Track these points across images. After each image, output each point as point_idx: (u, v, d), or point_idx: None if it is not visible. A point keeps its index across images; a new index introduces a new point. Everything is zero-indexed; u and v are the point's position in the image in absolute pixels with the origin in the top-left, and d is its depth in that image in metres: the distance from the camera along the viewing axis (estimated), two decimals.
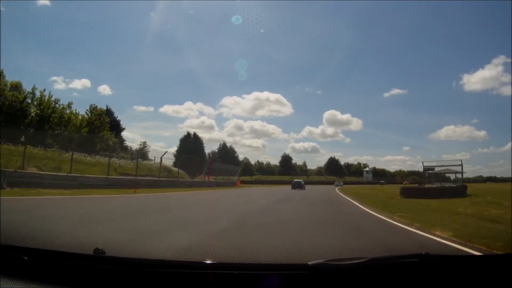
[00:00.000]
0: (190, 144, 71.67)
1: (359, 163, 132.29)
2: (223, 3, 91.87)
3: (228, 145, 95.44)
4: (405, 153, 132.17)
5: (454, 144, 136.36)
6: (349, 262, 1.60)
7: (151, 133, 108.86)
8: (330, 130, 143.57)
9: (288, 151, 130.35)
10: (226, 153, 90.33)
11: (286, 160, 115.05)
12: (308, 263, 1.59)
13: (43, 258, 1.77)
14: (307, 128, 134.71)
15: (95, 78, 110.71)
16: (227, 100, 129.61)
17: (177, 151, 63.61)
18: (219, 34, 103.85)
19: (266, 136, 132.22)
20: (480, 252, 4.70)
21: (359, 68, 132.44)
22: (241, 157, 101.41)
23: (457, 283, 1.57)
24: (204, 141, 76.99)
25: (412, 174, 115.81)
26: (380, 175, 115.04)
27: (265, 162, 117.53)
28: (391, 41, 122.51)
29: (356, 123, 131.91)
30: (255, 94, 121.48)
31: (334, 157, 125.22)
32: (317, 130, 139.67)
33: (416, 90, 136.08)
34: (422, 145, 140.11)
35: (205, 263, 1.63)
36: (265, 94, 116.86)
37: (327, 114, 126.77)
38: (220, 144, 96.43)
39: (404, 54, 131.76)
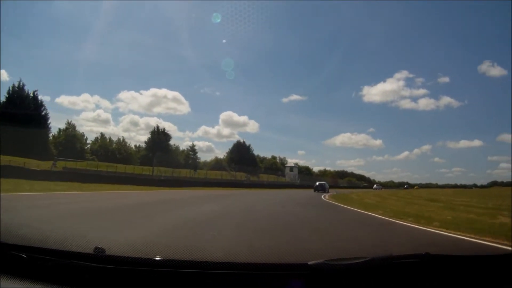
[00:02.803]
0: None
1: (273, 157, 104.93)
2: None
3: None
4: (300, 157, 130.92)
5: (349, 151, 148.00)
6: (349, 262, 1.59)
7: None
8: (226, 131, 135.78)
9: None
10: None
11: None
12: (308, 263, 1.57)
13: (43, 256, 1.75)
14: (203, 128, 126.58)
15: None
16: (124, 95, 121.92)
17: None
18: (123, 26, 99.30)
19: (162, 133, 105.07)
20: None
21: (260, 72, 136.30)
22: None
23: (457, 283, 1.58)
24: (98, 135, 74.49)
25: None
26: None
27: None
28: (297, 48, 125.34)
29: (252, 126, 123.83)
30: (153, 90, 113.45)
31: (243, 142, 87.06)
32: (213, 130, 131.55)
33: (316, 98, 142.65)
34: (318, 149, 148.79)
35: (205, 262, 1.64)
36: (163, 91, 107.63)
37: (224, 115, 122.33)
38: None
39: (307, 61, 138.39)
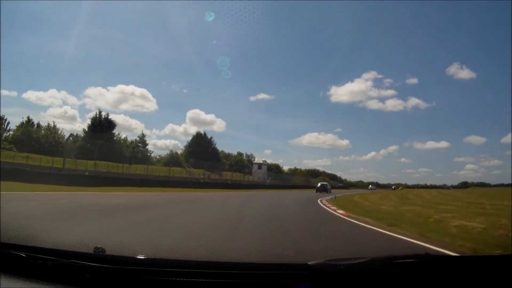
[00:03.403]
0: None
1: (240, 154, 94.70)
2: None
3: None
4: (266, 156, 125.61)
5: (316, 150, 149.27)
6: (349, 262, 1.60)
7: (14, 120, 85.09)
8: (193, 129, 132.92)
9: (150, 148, 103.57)
10: None
11: None
12: (308, 263, 1.59)
13: (43, 256, 1.74)
14: (170, 126, 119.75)
15: None
16: (91, 91, 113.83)
17: None
18: (92, 20, 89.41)
19: (128, 131, 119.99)
20: None
21: (228, 70, 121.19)
22: None
23: (457, 284, 1.58)
24: (65, 132, 64.04)
25: None
26: None
27: None
28: (265, 46, 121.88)
29: (220, 124, 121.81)
30: (121, 87, 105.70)
31: (204, 134, 75.42)
32: (180, 129, 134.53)
33: (283, 97, 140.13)
34: (285, 149, 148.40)
35: (205, 262, 1.65)
36: (131, 88, 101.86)
37: (191, 113, 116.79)
38: None
39: (275, 60, 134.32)
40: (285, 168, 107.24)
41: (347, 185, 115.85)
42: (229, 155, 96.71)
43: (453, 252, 5.20)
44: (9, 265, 1.71)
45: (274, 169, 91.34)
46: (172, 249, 3.89)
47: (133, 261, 1.71)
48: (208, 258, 1.72)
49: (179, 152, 74.83)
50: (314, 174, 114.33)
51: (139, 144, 69.18)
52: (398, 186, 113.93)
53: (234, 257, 2.20)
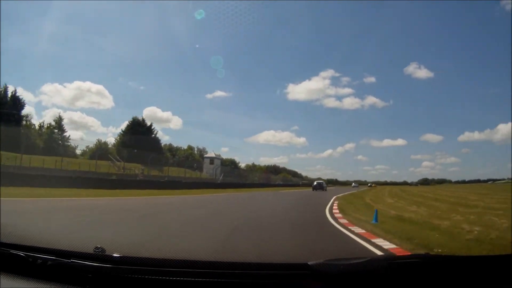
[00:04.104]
0: None
1: (190, 147, 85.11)
2: None
3: None
4: (223, 154, 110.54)
5: (273, 148, 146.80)
6: (349, 262, 1.59)
7: None
8: None
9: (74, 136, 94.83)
10: None
11: None
12: (308, 262, 1.57)
13: (43, 255, 1.73)
14: (127, 124, 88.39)
15: None
16: (48, 87, 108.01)
17: None
18: (48, 15, 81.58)
19: (85, 128, 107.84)
20: None
21: (185, 67, 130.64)
22: None
23: (457, 284, 1.57)
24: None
25: None
26: None
27: None
28: (222, 44, 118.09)
29: (176, 122, 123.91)
30: (77, 83, 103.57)
31: (142, 119, 62.15)
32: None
33: (240, 94, 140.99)
34: (241, 147, 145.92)
35: (206, 262, 1.65)
36: (87, 84, 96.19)
37: (148, 111, 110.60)
38: None
39: (232, 57, 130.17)
40: (242, 165, 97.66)
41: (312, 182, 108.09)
42: (178, 148, 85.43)
43: None
44: (9, 264, 1.72)
45: (229, 164, 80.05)
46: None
47: (133, 261, 1.70)
48: (209, 258, 1.72)
49: (113, 141, 60.60)
50: (275, 170, 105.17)
51: (55, 131, 53.71)
52: (371, 183, 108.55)
53: (234, 257, 2.08)
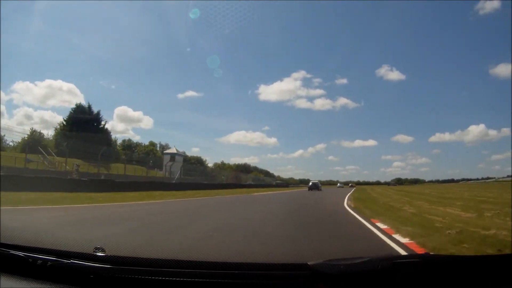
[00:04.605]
0: None
1: (152, 143, 78.64)
2: None
3: None
4: (194, 154, 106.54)
5: (244, 148, 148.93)
6: (349, 262, 1.59)
7: None
8: (120, 126, 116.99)
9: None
10: None
11: None
12: (308, 263, 1.56)
13: (43, 256, 1.72)
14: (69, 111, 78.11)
15: None
16: (19, 85, 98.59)
17: None
18: (20, 12, 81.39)
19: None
20: None
21: (157, 66, 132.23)
22: None
23: (457, 284, 1.56)
24: None
25: None
26: None
27: None
28: (193, 43, 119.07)
29: (147, 121, 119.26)
30: (49, 81, 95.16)
31: (88, 106, 52.48)
32: (107, 126, 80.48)
33: (212, 94, 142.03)
34: (212, 147, 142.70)
35: (206, 262, 1.64)
36: (59, 83, 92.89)
37: (119, 110, 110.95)
38: None
39: (203, 57, 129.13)
40: (211, 163, 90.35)
41: (286, 182, 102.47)
42: (138, 144, 76.45)
43: None
44: (9, 265, 1.71)
45: (194, 162, 71.98)
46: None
47: (133, 261, 1.70)
48: (208, 258, 1.71)
49: (52, 133, 50.64)
50: (245, 169, 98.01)
51: None
52: (348, 183, 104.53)
53: (235, 257, 2.06)
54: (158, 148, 76.74)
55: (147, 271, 1.59)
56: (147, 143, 76.72)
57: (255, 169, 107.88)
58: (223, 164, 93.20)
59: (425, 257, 1.69)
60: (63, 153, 39.24)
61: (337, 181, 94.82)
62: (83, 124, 45.97)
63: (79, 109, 49.48)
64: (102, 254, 1.73)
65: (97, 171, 35.96)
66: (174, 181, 38.64)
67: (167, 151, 59.33)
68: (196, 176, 51.73)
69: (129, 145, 74.65)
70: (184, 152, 70.17)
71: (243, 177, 73.01)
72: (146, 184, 28.20)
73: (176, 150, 58.30)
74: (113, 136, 60.84)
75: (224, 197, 20.29)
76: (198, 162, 74.33)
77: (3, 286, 1.55)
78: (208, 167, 77.34)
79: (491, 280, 1.54)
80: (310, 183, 43.71)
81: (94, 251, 1.76)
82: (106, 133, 52.21)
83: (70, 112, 49.62)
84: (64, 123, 49.14)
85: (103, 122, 53.55)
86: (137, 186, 24.43)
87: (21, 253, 1.73)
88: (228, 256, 2.39)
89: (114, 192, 19.05)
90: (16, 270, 1.66)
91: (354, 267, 1.56)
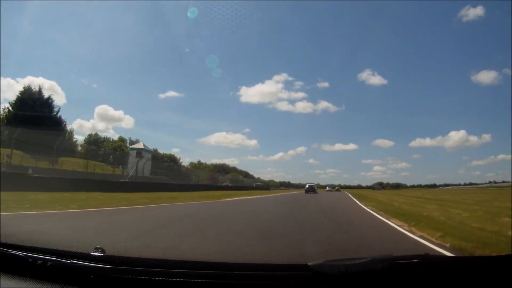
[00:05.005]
0: None
1: (121, 139, 72.62)
2: None
3: None
4: (175, 154, 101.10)
5: (224, 150, 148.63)
6: (349, 263, 1.58)
7: None
8: (101, 125, 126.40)
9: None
10: None
11: None
12: (309, 263, 1.56)
13: (43, 256, 1.72)
14: (78, 121, 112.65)
15: None
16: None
17: None
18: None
19: None
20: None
21: (138, 65, 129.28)
22: None
23: (457, 284, 1.56)
24: None
25: None
26: None
27: None
28: (175, 44, 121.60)
29: (128, 121, 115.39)
30: (30, 78, 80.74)
31: (38, 90, 45.54)
32: (88, 124, 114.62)
33: (193, 95, 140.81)
34: (192, 148, 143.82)
35: (206, 263, 1.64)
36: (40, 80, 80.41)
37: (99, 109, 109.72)
38: None
39: (185, 58, 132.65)
40: (186, 162, 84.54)
41: (267, 185, 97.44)
42: (106, 139, 69.88)
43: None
44: (9, 265, 1.71)
45: (167, 160, 65.71)
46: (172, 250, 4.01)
47: (133, 261, 1.71)
48: (208, 259, 1.71)
49: None
50: (223, 170, 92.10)
51: None
52: (335, 186, 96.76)
53: (235, 258, 1.98)
54: (128, 144, 69.98)
55: (147, 271, 1.59)
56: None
57: (234, 169, 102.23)
58: (200, 163, 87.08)
59: (425, 257, 1.68)
60: (7, 143, 32.58)
61: (326, 185, 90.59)
62: (30, 110, 38.95)
63: (27, 92, 42.28)
64: (102, 254, 1.72)
65: (48, 166, 29.64)
66: (127, 180, 32.40)
67: (133, 146, 52.75)
68: (169, 175, 45.49)
69: (95, 140, 67.66)
70: (156, 149, 63.93)
71: (220, 178, 67.19)
72: (88, 182, 22.11)
73: (144, 145, 51.85)
74: (69, 127, 54.01)
75: (163, 207, 12.75)
76: (171, 160, 67.92)
77: (3, 286, 1.55)
78: (183, 166, 71.11)
79: (491, 280, 1.54)
80: (307, 186, 46.06)
81: (94, 251, 1.74)
82: (57, 121, 45.14)
83: (18, 96, 42.44)
84: (10, 108, 41.92)
85: (55, 109, 46.64)
86: (66, 184, 18.40)
87: (21, 253, 1.73)
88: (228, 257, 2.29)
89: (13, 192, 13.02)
90: (16, 270, 1.67)
91: (354, 268, 1.55)
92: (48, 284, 1.57)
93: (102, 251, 1.75)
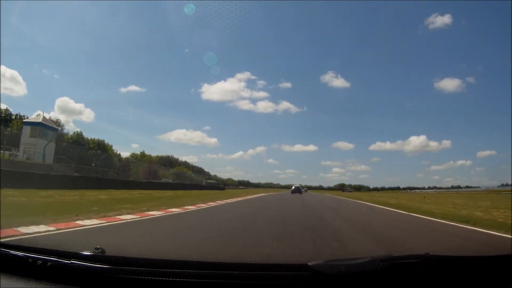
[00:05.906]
0: None
1: (93, 140, 59.36)
2: None
3: None
4: (134, 150, 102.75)
5: (184, 147, 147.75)
6: (349, 263, 1.59)
7: None
8: (61, 118, 76.96)
9: None
10: None
11: None
12: (308, 263, 1.55)
13: (43, 256, 1.70)
14: (38, 113, 60.46)
15: None
16: None
17: None
18: None
19: None
20: None
21: (101, 58, 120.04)
22: None
23: (457, 284, 1.56)
24: None
25: None
26: None
27: None
28: (138, 37, 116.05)
29: (88, 114, 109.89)
30: None
31: None
32: (48, 116, 64.72)
33: (154, 90, 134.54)
34: (152, 144, 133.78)
35: (206, 263, 1.63)
36: (2, 69, 79.19)
37: (60, 101, 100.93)
38: None
39: (147, 52, 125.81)
40: (126, 153, 69.66)
41: (223, 183, 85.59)
42: (85, 140, 53.03)
43: None
44: (9, 265, 1.69)
45: (95, 148, 50.81)
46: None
47: (133, 261, 1.68)
48: (208, 259, 1.71)
49: None
50: (170, 162, 78.43)
51: None
52: (304, 187, 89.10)
53: (234, 258, 2.09)
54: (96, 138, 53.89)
55: (147, 272, 1.57)
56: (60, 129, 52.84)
57: (185, 164, 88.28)
58: (142, 155, 72.17)
59: (425, 257, 1.66)
60: None
61: (291, 185, 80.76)
62: None
63: None
64: (102, 255, 1.71)
65: None
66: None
67: (28, 119, 37.53)
68: (62, 165, 31.19)
69: None
70: (63, 127, 48.63)
71: (162, 172, 53.47)
72: None
73: (45, 118, 36.97)
74: None
75: None
76: (99, 148, 52.81)
77: (3, 286, 1.55)
78: (116, 155, 56.39)
79: (491, 280, 1.54)
80: (293, 187, 44.03)
81: (94, 252, 1.72)
82: None
83: None
84: None
85: None
86: None
87: (21, 253, 1.72)
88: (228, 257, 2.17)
89: None
90: (16, 270, 1.65)
91: (355, 268, 1.54)
92: (48, 284, 1.56)
93: (102, 251, 1.72)
